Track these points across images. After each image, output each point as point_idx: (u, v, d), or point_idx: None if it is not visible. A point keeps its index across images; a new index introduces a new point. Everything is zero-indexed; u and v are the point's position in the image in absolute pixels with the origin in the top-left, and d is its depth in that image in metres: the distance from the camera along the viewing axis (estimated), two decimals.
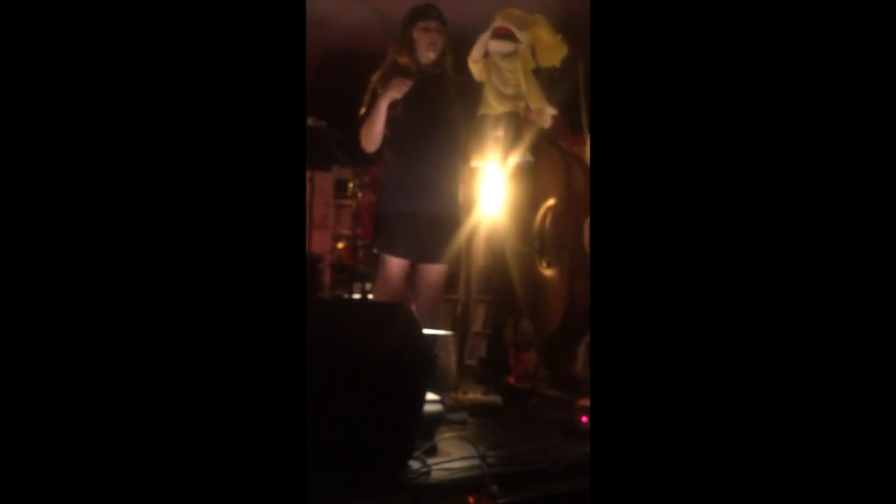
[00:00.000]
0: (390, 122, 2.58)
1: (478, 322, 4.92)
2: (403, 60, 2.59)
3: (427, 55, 2.60)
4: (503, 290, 3.14)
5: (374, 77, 2.63)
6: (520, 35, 2.57)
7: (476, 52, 2.57)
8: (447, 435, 1.83)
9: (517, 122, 2.66)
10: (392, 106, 2.55)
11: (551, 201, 3.08)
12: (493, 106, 2.62)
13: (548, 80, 3.04)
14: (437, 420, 1.84)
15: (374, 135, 2.58)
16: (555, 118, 3.41)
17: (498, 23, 2.59)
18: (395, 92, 2.48)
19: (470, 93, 2.68)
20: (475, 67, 2.60)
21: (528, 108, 2.74)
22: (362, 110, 2.64)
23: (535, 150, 3.09)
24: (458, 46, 2.68)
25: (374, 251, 2.68)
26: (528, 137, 2.82)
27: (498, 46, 2.56)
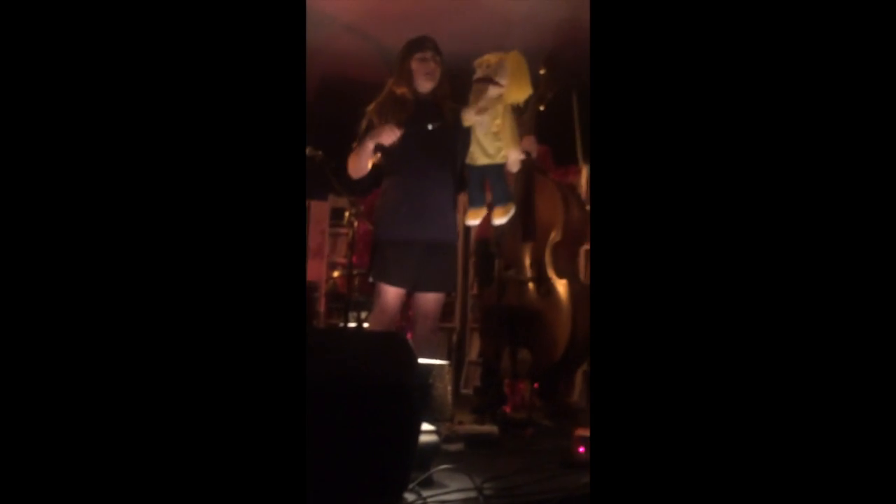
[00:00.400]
0: (388, 151, 2.60)
1: (474, 351, 4.90)
2: (401, 90, 2.62)
3: (424, 85, 2.63)
4: (499, 320, 3.13)
5: (370, 107, 2.65)
6: (501, 80, 2.62)
7: (469, 115, 2.62)
8: (443, 466, 1.81)
9: (496, 175, 2.68)
10: (389, 130, 2.57)
11: (549, 231, 3.09)
12: (476, 157, 2.65)
13: (536, 112, 3.07)
14: (432, 451, 1.82)
15: (359, 167, 2.65)
16: (542, 151, 3.44)
17: (479, 74, 2.65)
18: (384, 139, 2.52)
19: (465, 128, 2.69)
20: (468, 119, 2.64)
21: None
22: (356, 141, 2.66)
23: (529, 184, 3.11)
24: (455, 76, 2.70)
25: (371, 280, 2.67)
26: (511, 185, 2.83)
27: (486, 91, 2.61)
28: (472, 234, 4.61)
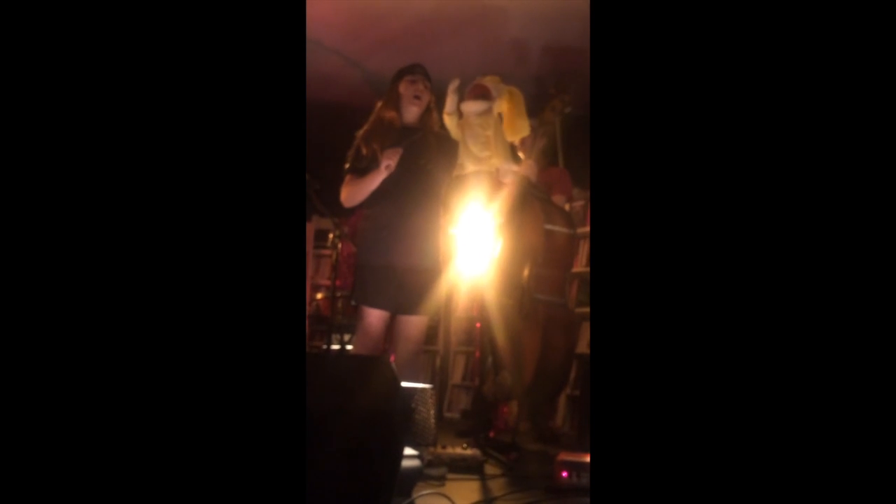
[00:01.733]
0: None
1: (457, 374, 4.88)
2: (389, 115, 2.63)
3: (411, 110, 2.64)
4: (485, 342, 3.12)
5: (360, 133, 2.66)
6: (494, 93, 2.65)
7: (449, 105, 2.62)
8: (426, 492, 1.80)
9: (489, 181, 2.70)
10: (373, 158, 2.58)
11: (534, 254, 3.09)
12: (466, 166, 2.66)
13: (538, 136, 3.11)
14: (415, 476, 1.81)
15: (359, 198, 2.63)
16: (559, 173, 3.47)
17: (476, 81, 2.67)
18: (391, 161, 2.52)
19: (452, 148, 2.71)
20: (449, 121, 2.64)
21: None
22: (346, 165, 2.66)
23: (515, 205, 3.13)
24: (443, 104, 2.73)
25: (353, 303, 2.66)
26: (499, 195, 2.85)
27: (472, 107, 2.63)
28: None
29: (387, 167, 2.50)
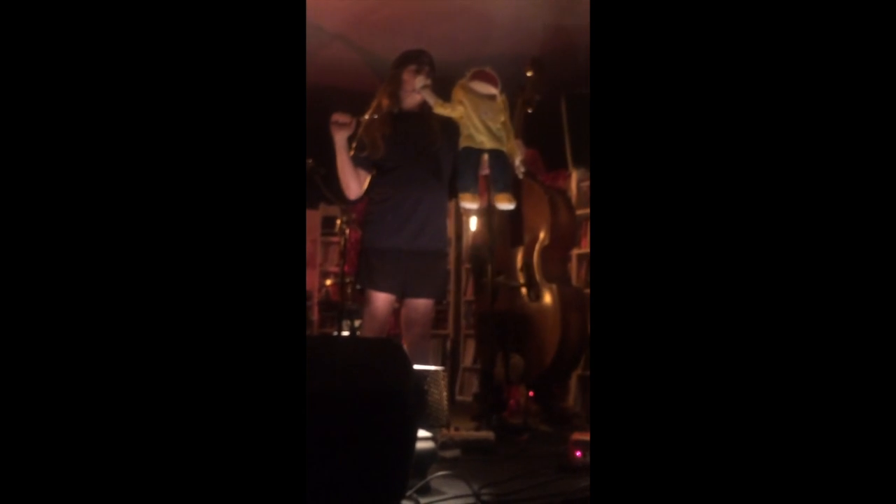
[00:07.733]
0: (376, 162, 2.60)
1: (468, 357, 4.90)
2: (389, 102, 2.62)
3: (414, 97, 2.63)
4: (492, 326, 3.13)
5: (363, 118, 2.66)
6: (500, 85, 2.62)
7: (458, 94, 2.60)
8: (440, 473, 1.81)
9: (504, 161, 2.65)
10: (374, 147, 2.57)
11: (537, 235, 3.09)
12: (482, 141, 2.60)
13: (524, 115, 3.08)
14: (428, 458, 1.82)
15: (350, 186, 2.65)
16: (532, 154, 3.45)
17: (484, 68, 2.63)
18: (346, 130, 2.53)
19: (454, 130, 2.68)
20: (454, 107, 2.61)
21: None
22: (350, 153, 2.65)
23: (520, 186, 3.12)
24: (441, 88, 2.70)
25: (358, 287, 2.67)
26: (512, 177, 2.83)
27: (481, 87, 2.59)
28: (465, 241, 4.62)
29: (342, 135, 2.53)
